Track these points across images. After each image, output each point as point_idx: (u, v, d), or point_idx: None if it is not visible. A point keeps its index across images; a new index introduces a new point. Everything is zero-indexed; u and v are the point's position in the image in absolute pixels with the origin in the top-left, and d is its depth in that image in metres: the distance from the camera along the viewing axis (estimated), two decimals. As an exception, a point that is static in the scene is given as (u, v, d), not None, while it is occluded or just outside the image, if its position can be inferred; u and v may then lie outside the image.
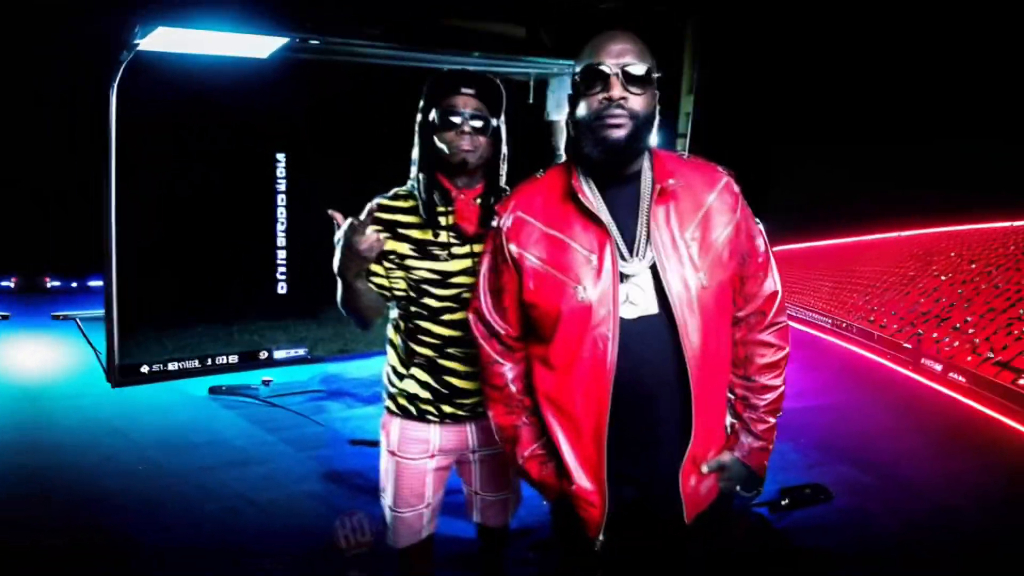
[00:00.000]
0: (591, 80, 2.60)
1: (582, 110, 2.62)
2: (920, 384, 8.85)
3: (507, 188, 3.31)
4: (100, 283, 9.13)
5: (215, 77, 9.02)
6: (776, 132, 11.51)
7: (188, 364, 8.81)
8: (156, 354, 8.96)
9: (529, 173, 2.90)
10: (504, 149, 3.35)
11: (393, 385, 3.45)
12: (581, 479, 2.69)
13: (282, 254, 10.58)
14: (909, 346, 9.46)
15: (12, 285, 12.77)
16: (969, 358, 8.55)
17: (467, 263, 3.23)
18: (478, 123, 3.18)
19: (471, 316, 2.92)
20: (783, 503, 5.53)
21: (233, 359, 9.08)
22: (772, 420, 2.86)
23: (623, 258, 2.62)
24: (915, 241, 11.39)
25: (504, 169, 3.38)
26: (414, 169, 3.32)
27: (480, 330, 2.89)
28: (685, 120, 11.09)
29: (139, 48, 7.73)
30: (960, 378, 8.42)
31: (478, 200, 3.27)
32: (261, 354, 9.30)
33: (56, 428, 7.15)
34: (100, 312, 8.81)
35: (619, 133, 2.56)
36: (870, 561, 5.17)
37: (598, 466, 2.66)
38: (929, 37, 9.64)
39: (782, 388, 2.87)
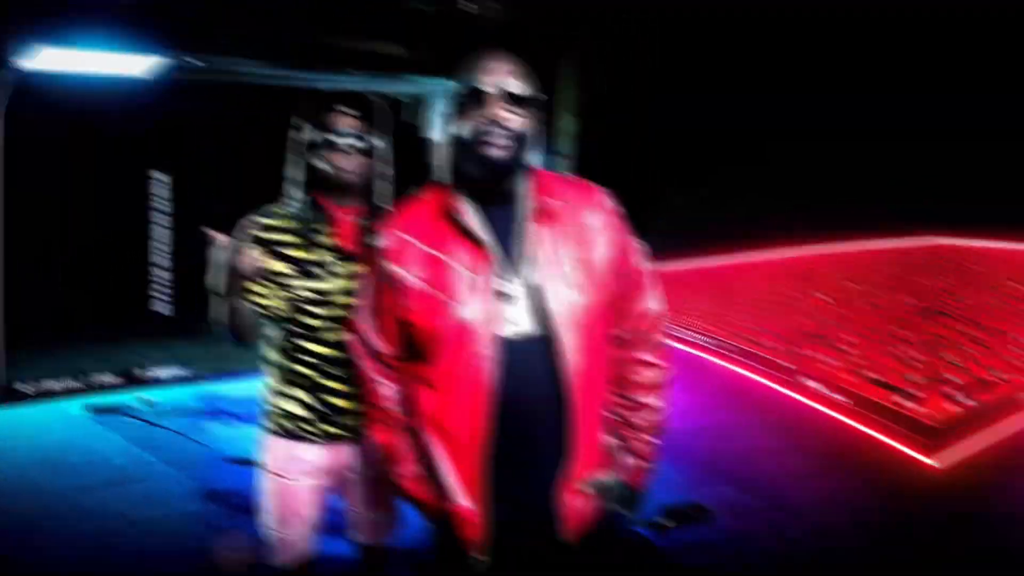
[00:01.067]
0: (472, 100, 2.60)
1: (462, 130, 2.63)
2: (802, 404, 8.95)
3: (387, 207, 3.31)
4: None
5: (100, 95, 8.93)
6: (655, 152, 11.62)
7: (68, 383, 8.69)
8: (35, 373, 8.81)
9: (408, 193, 2.90)
10: (384, 168, 3.36)
11: (273, 404, 3.43)
12: (461, 499, 2.69)
13: (164, 273, 10.49)
14: (791, 366, 9.57)
15: None
16: (850, 378, 8.68)
17: (347, 282, 3.23)
18: (357, 142, 3.20)
19: (351, 336, 2.92)
20: (664, 523, 5.56)
21: (114, 378, 8.97)
22: (652, 439, 2.87)
23: (502, 278, 2.63)
24: (795, 261, 11.57)
25: (384, 188, 3.38)
26: (292, 188, 3.32)
27: (360, 349, 2.88)
28: (566, 140, 11.17)
29: (23, 67, 7.64)
30: (841, 398, 8.54)
31: (358, 219, 3.28)
32: (141, 373, 9.20)
33: (-68, 448, 7.02)
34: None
35: (499, 153, 2.57)
36: (751, 581, 5.24)
37: (478, 486, 2.66)
38: (802, 45, 9.81)
39: (662, 407, 2.88)
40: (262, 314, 3.29)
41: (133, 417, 8.01)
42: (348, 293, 3.20)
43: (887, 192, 9.44)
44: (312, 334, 3.28)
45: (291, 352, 3.34)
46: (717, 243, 12.48)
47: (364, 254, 3.00)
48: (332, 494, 3.59)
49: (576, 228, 2.71)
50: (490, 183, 2.66)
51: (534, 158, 2.75)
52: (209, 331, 3.39)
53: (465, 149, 2.63)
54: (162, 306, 10.56)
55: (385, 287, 2.76)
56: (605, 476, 2.81)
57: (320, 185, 3.27)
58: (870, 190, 9.60)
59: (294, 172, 3.33)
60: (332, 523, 3.74)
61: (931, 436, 7.36)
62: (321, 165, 3.21)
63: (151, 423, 7.84)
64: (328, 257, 3.26)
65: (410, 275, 2.69)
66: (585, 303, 2.64)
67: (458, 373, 2.62)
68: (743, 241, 12.15)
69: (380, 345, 2.83)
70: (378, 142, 3.31)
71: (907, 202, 9.51)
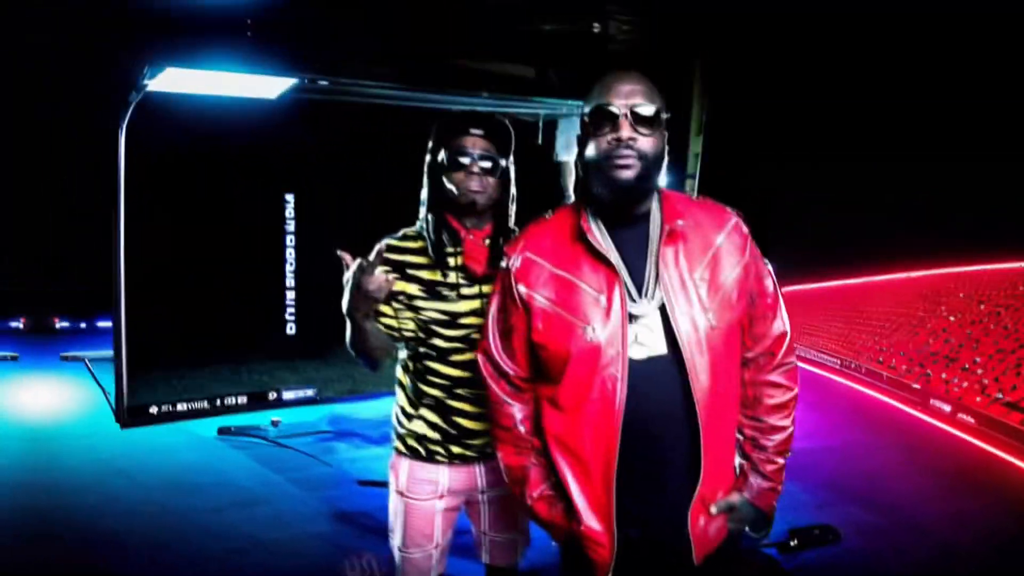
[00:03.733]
0: (600, 120, 2.60)
1: (591, 150, 2.63)
2: (929, 425, 8.85)
3: (516, 229, 3.33)
4: (109, 323, 9.15)
5: (224, 118, 9.07)
6: (784, 172, 11.53)
7: (197, 405, 8.81)
8: (165, 395, 8.95)
9: (538, 214, 2.91)
10: (513, 190, 3.36)
11: (402, 426, 3.44)
12: (590, 520, 2.68)
13: (291, 295, 10.62)
14: (918, 387, 9.45)
15: (21, 326, 12.79)
16: (978, 399, 8.55)
17: (476, 304, 3.24)
18: (487, 164, 3.20)
19: (480, 356, 2.92)
20: (792, 544, 5.51)
21: (242, 400, 9.08)
22: (781, 461, 2.85)
23: (632, 299, 2.62)
24: (924, 282, 11.38)
25: (513, 210, 3.38)
26: (423, 210, 3.33)
27: (489, 370, 2.88)
28: (694, 161, 11.14)
29: (148, 89, 7.76)
30: (969, 419, 8.42)
31: (487, 241, 3.28)
32: (270, 395, 9.31)
33: (64, 469, 7.13)
34: (109, 353, 8.83)
35: (628, 174, 2.57)
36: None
37: (607, 507, 2.65)
38: (936, 82, 9.66)
39: (791, 429, 2.86)
40: (391, 335, 3.31)
41: (261, 438, 8.09)
42: (477, 314, 3.23)
43: (1016, 212, 9.24)
44: (441, 355, 3.29)
45: (420, 373, 3.35)
46: (845, 264, 12.34)
47: (493, 275, 3.00)
48: (461, 515, 3.61)
49: (705, 249, 2.70)
50: (619, 204, 2.67)
51: (663, 179, 2.75)
52: (337, 353, 3.41)
53: (594, 170, 2.64)
54: (290, 327, 10.68)
55: (514, 308, 2.77)
56: (734, 497, 2.80)
57: (450, 206, 3.27)
58: (998, 210, 9.41)
59: (425, 193, 3.35)
60: (461, 544, 3.76)
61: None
62: (451, 186, 3.22)
63: (279, 444, 7.91)
64: (457, 278, 3.27)
65: (539, 296, 2.70)
66: (715, 324, 2.63)
67: (588, 394, 2.61)
68: (871, 261, 12.00)
69: (509, 366, 2.84)
70: (507, 163, 3.32)
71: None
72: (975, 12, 8.73)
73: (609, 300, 2.61)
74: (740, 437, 2.85)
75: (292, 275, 10.60)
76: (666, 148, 2.70)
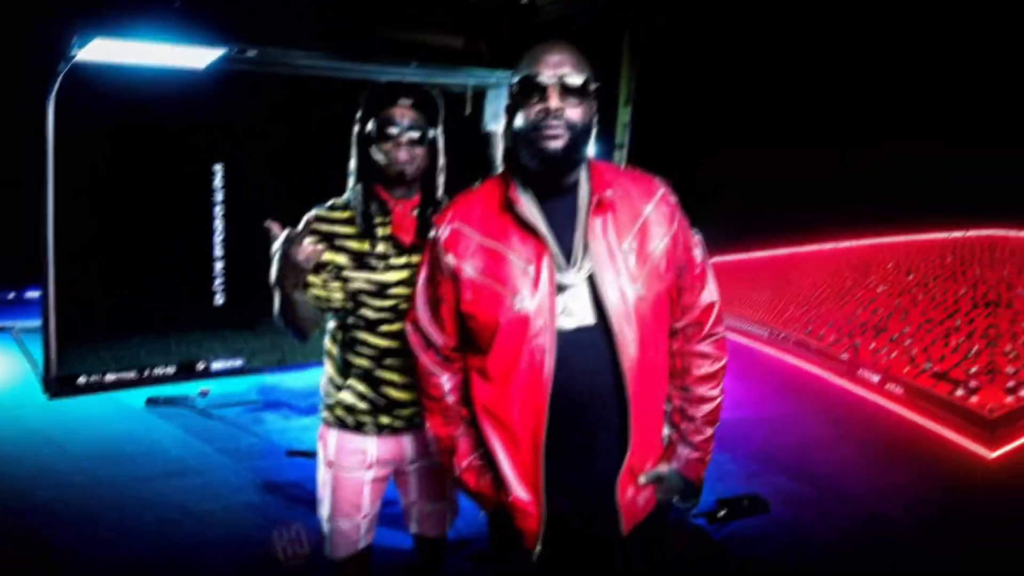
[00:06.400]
0: (529, 91, 2.60)
1: (520, 121, 2.62)
2: (857, 395, 8.92)
3: (444, 199, 3.32)
4: (38, 294, 9.05)
5: (153, 88, 8.98)
6: (713, 142, 11.57)
7: (125, 375, 8.77)
8: (93, 365, 8.89)
9: (467, 184, 2.91)
10: (441, 160, 3.36)
11: (330, 396, 3.43)
12: (518, 490, 2.69)
13: (219, 265, 10.55)
14: (846, 357, 9.52)
15: (-51, 296, 12.65)
16: (906, 369, 8.62)
17: (404, 274, 3.24)
18: (415, 134, 3.19)
19: (408, 327, 2.92)
20: (720, 514, 5.55)
21: (170, 370, 9.05)
22: (709, 431, 2.86)
23: (560, 269, 2.62)
24: (852, 252, 11.48)
25: (441, 180, 3.39)
26: (351, 180, 3.33)
27: (417, 341, 2.88)
28: (622, 131, 11.14)
29: (77, 59, 7.68)
30: (897, 389, 8.49)
31: (415, 211, 3.28)
32: (198, 365, 9.28)
33: (-8, 439, 7.09)
34: (37, 323, 8.74)
35: (556, 144, 2.56)
36: (807, 572, 5.20)
37: (535, 477, 2.65)
38: (863, 49, 9.72)
39: (720, 399, 2.87)
40: (320, 306, 3.30)
41: (191, 409, 8.06)
42: (405, 285, 3.22)
43: (944, 183, 9.33)
44: (369, 326, 3.28)
45: (349, 344, 3.34)
46: (774, 233, 12.42)
47: (422, 245, 3.00)
48: (390, 485, 3.60)
49: (634, 219, 2.70)
50: (548, 174, 2.66)
51: (591, 149, 2.75)
52: (266, 323, 3.38)
53: (523, 140, 2.63)
54: (219, 298, 10.62)
55: (442, 279, 2.76)
56: (662, 467, 2.80)
57: (378, 176, 3.27)
58: (927, 181, 9.50)
59: (353, 164, 3.34)
60: (389, 514, 3.76)
61: (987, 427, 7.31)
62: (379, 156, 3.21)
63: (209, 415, 7.89)
64: (386, 249, 3.26)
65: (468, 267, 2.69)
66: (643, 294, 2.63)
67: (516, 365, 2.61)
68: (799, 231, 12.08)
69: (437, 337, 2.83)
70: (436, 134, 3.31)
71: (965, 193, 9.40)
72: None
73: (537, 270, 2.61)
74: (669, 407, 2.85)
75: (221, 245, 10.54)
76: (595, 118, 2.70)
